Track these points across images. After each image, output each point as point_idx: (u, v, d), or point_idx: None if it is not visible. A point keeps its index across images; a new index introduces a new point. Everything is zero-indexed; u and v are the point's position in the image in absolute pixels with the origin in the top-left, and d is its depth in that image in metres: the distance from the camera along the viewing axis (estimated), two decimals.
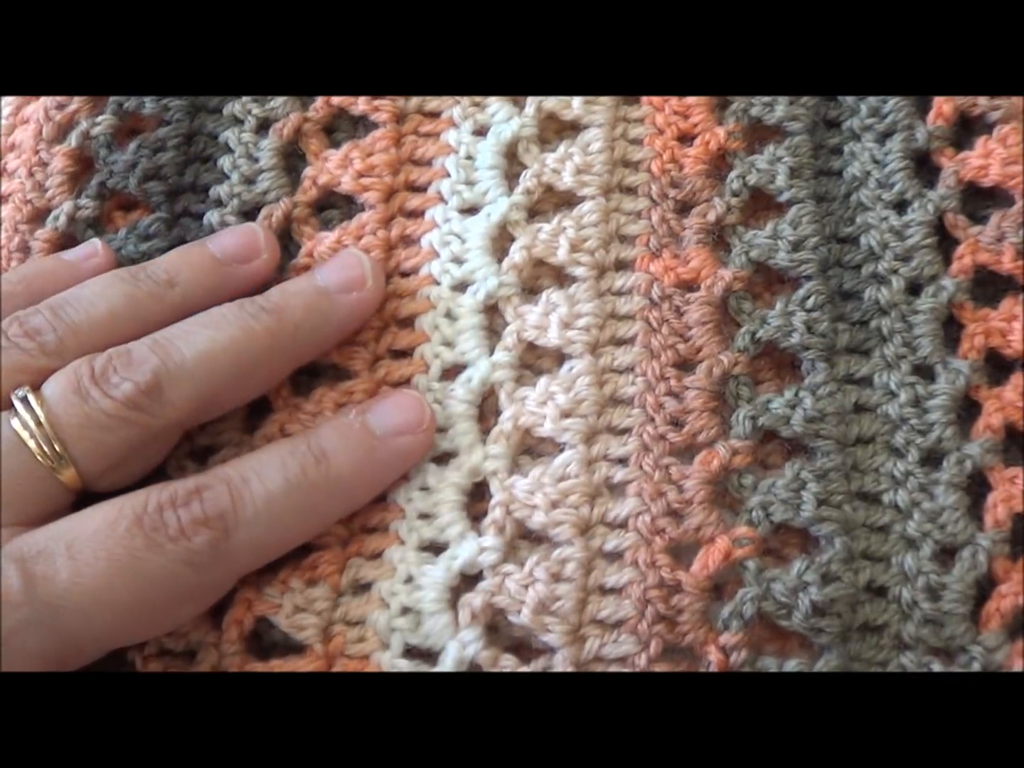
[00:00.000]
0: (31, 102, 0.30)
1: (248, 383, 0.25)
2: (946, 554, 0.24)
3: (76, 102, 0.30)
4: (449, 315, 0.27)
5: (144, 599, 0.21)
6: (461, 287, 0.27)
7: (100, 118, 0.29)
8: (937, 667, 0.22)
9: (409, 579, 0.24)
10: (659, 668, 0.23)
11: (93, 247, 0.27)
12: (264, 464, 0.23)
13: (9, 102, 0.31)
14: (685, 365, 0.26)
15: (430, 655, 0.23)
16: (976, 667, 0.22)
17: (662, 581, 0.23)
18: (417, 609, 0.23)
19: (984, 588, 0.23)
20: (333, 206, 0.29)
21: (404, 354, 0.27)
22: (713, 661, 0.23)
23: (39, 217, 0.29)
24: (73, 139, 0.29)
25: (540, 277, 0.28)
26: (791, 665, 0.22)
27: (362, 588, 0.24)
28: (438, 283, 0.27)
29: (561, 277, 0.28)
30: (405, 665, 0.23)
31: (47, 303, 0.24)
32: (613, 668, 0.23)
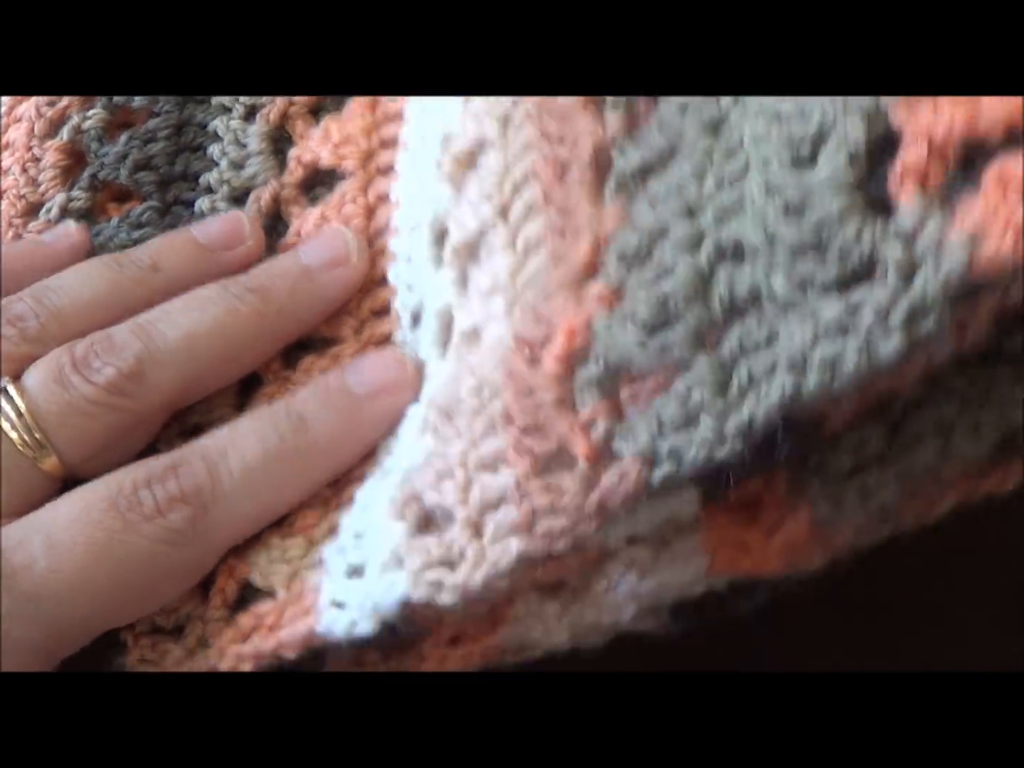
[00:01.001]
0: (23, 101, 0.31)
1: (234, 364, 0.24)
2: None
3: (67, 99, 0.30)
4: (409, 260, 0.26)
5: (125, 581, 0.21)
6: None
7: (91, 112, 0.30)
8: None
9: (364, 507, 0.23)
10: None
11: (66, 228, 0.27)
12: (241, 435, 0.23)
13: (3, 102, 0.31)
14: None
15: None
16: None
17: None
18: (360, 531, 0.22)
19: None
20: (321, 183, 0.28)
21: (384, 312, 0.26)
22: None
23: (33, 211, 0.29)
24: (65, 134, 0.29)
25: None
26: None
27: (332, 532, 0.23)
28: (399, 231, 0.26)
29: None
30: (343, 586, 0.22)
31: (29, 290, 0.24)
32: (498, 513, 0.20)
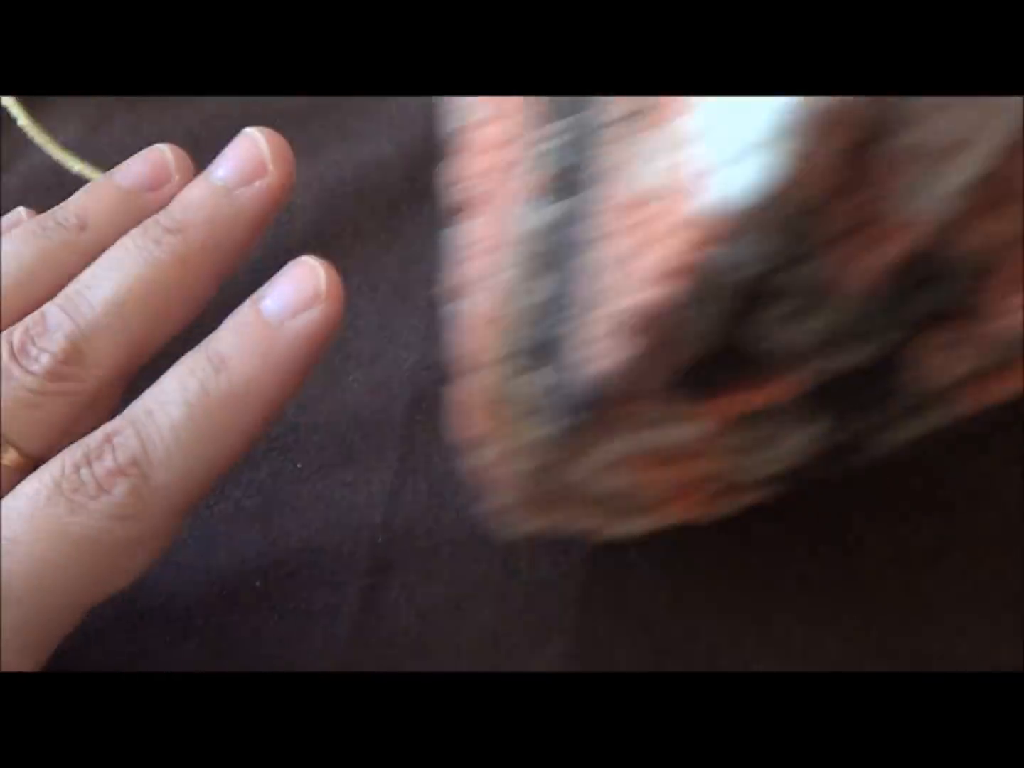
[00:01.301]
0: None
1: (170, 315, 0.23)
2: None
3: None
4: None
5: (85, 563, 0.21)
6: None
7: None
8: None
9: None
10: None
11: (17, 215, 0.26)
12: (166, 391, 0.22)
13: None
14: None
15: None
16: None
17: None
18: None
19: None
20: None
21: None
22: None
23: None
24: None
25: None
26: None
27: None
28: None
29: None
30: None
31: None
32: None
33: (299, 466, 0.28)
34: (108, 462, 0.21)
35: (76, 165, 0.34)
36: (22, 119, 0.35)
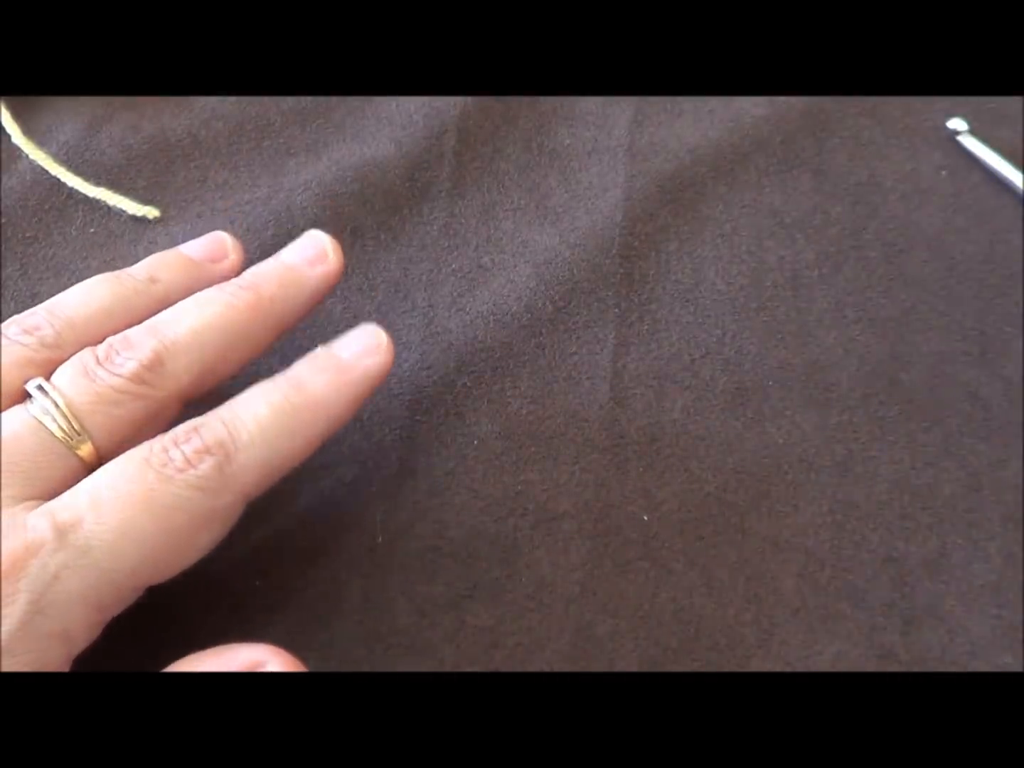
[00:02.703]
0: None
1: (236, 352, 0.27)
2: None
3: None
4: None
5: (165, 527, 0.23)
6: None
7: None
8: None
9: None
10: None
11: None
12: (249, 400, 0.25)
13: None
14: None
15: None
16: None
17: None
18: None
19: None
20: None
21: None
22: None
23: None
24: None
25: None
26: None
27: None
28: None
29: None
30: None
31: (41, 305, 0.27)
32: None
33: (299, 466, 0.28)
34: (197, 443, 0.24)
35: (71, 180, 0.34)
36: (16, 136, 0.35)
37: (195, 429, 0.24)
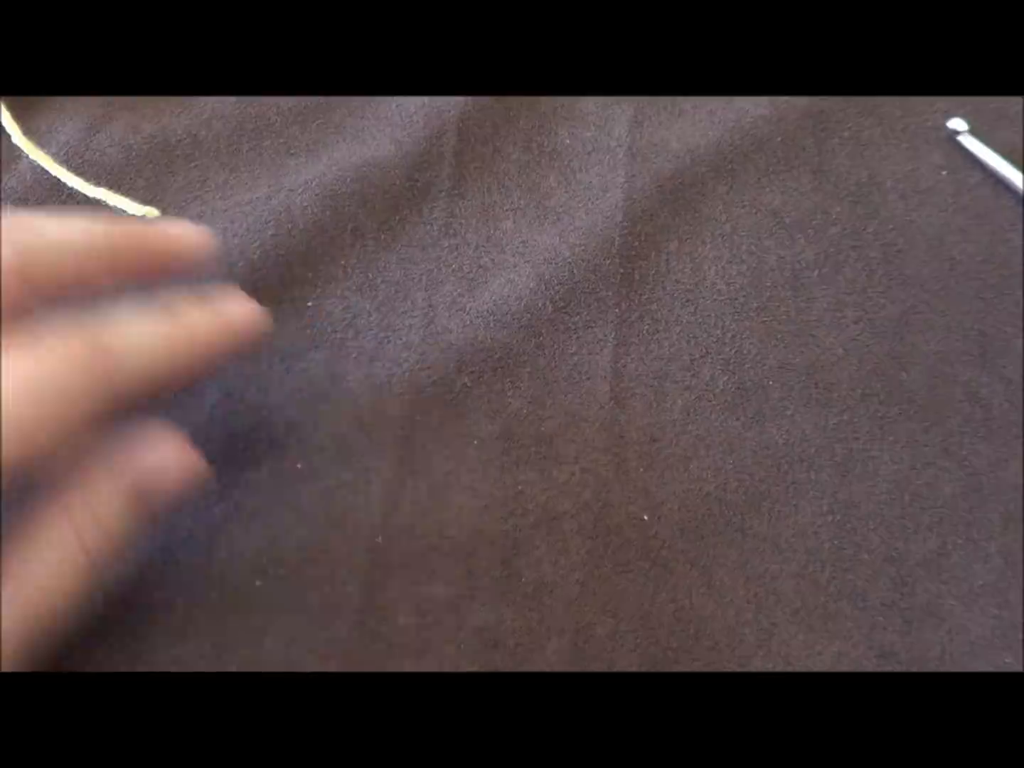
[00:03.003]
0: None
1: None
2: None
3: None
4: None
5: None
6: None
7: None
8: None
9: None
10: None
11: None
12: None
13: None
14: None
15: None
16: None
17: None
18: None
19: None
20: None
21: None
22: None
23: None
24: None
25: None
26: None
27: None
28: None
29: None
30: None
31: None
32: None
33: (299, 466, 0.28)
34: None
35: (71, 180, 0.34)
36: (16, 136, 0.35)
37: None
